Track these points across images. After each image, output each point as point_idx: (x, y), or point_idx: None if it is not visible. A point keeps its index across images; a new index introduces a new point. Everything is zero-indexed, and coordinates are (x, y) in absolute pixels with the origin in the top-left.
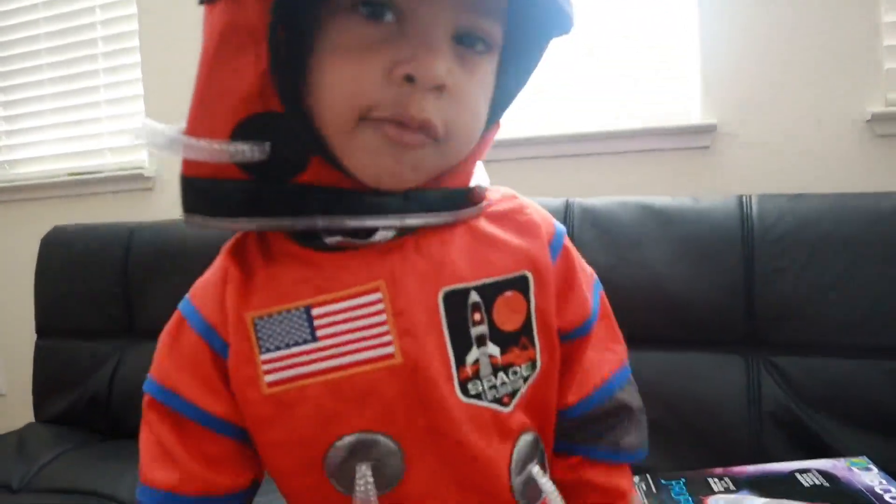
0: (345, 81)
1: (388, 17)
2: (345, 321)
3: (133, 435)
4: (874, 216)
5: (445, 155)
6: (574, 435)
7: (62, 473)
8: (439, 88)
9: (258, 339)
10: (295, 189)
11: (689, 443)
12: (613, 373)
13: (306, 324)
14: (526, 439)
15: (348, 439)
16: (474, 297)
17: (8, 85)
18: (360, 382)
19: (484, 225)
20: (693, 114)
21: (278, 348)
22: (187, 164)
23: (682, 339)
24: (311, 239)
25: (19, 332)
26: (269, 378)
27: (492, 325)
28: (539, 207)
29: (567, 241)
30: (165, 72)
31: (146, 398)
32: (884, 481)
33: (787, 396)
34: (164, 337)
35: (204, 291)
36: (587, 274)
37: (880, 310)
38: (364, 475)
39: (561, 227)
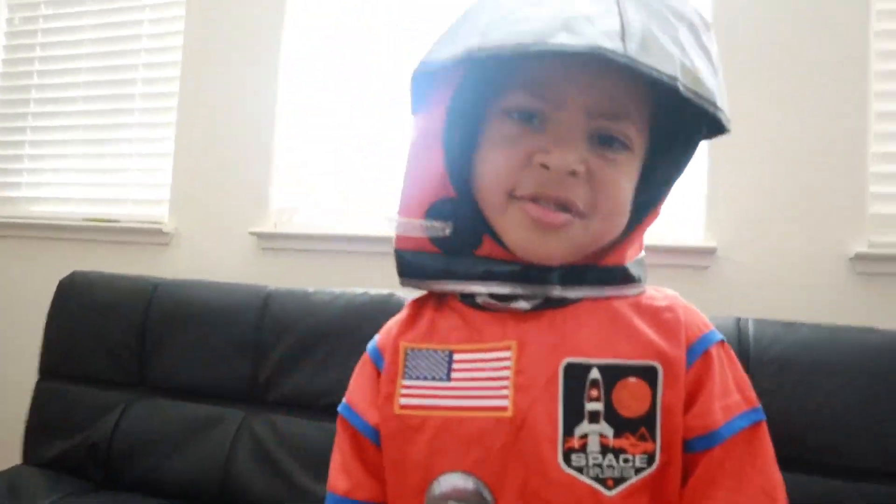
0: (496, 168)
1: (535, 122)
2: (476, 370)
3: (129, 487)
4: (860, 349)
5: (589, 233)
6: None
7: None
8: (573, 174)
9: (405, 365)
10: (474, 258)
11: None
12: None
13: (446, 365)
14: None
15: (451, 476)
16: (594, 373)
17: (39, 125)
18: (473, 426)
19: (626, 310)
20: (696, 236)
21: (417, 378)
22: (398, 239)
23: None
24: (471, 299)
25: (5, 370)
26: (402, 401)
27: (609, 405)
28: (697, 313)
29: (715, 351)
30: (199, 134)
31: (339, 417)
32: None
33: None
34: (357, 368)
35: (385, 328)
36: (735, 395)
37: (860, 436)
38: None
39: (713, 336)
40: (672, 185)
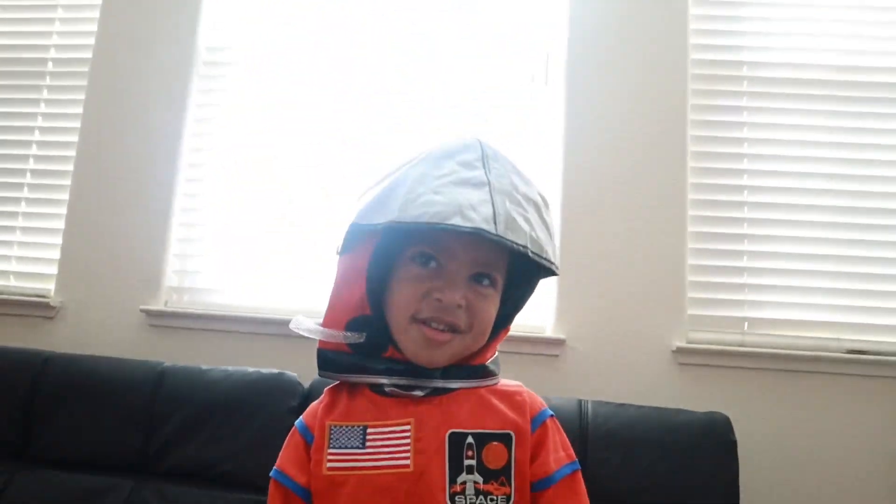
0: (405, 297)
1: (432, 264)
2: (384, 439)
3: None
4: (671, 427)
5: (466, 344)
6: None
7: None
8: (458, 307)
9: (329, 438)
10: (382, 359)
11: None
12: None
13: (361, 436)
14: None
15: None
16: (469, 439)
17: None
18: (383, 481)
19: (488, 395)
20: (548, 328)
21: (340, 447)
22: (321, 343)
23: None
24: (378, 388)
25: None
26: (329, 465)
27: (480, 461)
28: (536, 396)
29: (550, 423)
30: (93, 209)
31: (272, 481)
32: None
33: None
34: (286, 442)
35: (310, 411)
36: (560, 454)
37: (670, 494)
38: None
39: (548, 412)
40: (520, 310)
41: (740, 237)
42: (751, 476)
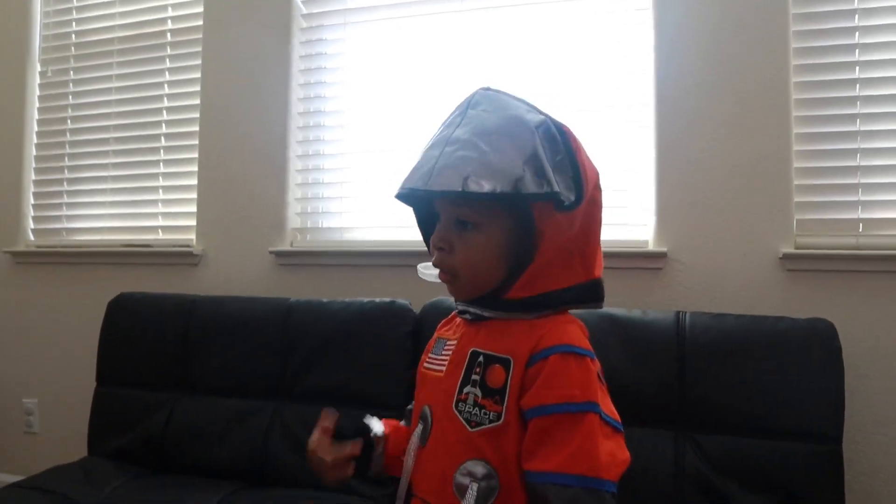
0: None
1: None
2: (446, 350)
3: (182, 471)
4: (771, 335)
5: (463, 283)
6: None
7: (129, 498)
8: (440, 249)
9: (434, 345)
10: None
11: (623, 500)
12: (548, 470)
13: (442, 346)
14: (480, 464)
15: (425, 406)
16: (480, 358)
17: (75, 164)
18: (431, 380)
19: (516, 325)
20: (650, 242)
21: (434, 353)
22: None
23: (627, 418)
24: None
25: (56, 379)
26: (424, 364)
27: (483, 379)
28: (561, 334)
29: (556, 360)
30: (219, 166)
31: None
32: None
33: (704, 466)
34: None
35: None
36: (566, 391)
37: (770, 404)
38: (416, 432)
39: (558, 349)
40: (544, 243)
41: (852, 135)
42: (858, 384)
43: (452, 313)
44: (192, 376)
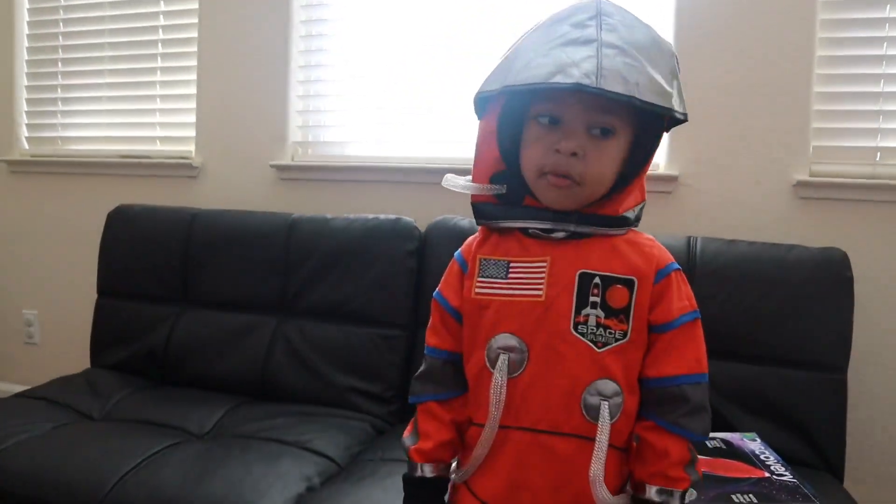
0: (531, 156)
1: (552, 122)
2: (524, 272)
3: (185, 384)
4: (783, 263)
5: (584, 192)
6: (652, 407)
7: (134, 409)
8: (574, 154)
9: (480, 268)
10: (522, 207)
11: None
12: (682, 374)
13: (504, 269)
14: (609, 383)
15: (503, 335)
16: (596, 280)
17: (69, 71)
18: (518, 306)
19: (620, 243)
20: (661, 164)
21: (487, 276)
22: (473, 197)
23: None
24: (525, 230)
25: (55, 291)
26: (477, 290)
27: (604, 300)
28: (665, 251)
29: (675, 276)
30: (218, 75)
31: (433, 300)
32: (763, 448)
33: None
34: (448, 268)
35: (466, 244)
36: (684, 303)
37: (778, 332)
38: (503, 360)
39: (674, 265)
40: (649, 161)
41: (878, 59)
42: (867, 316)
43: (482, 232)
44: (194, 290)
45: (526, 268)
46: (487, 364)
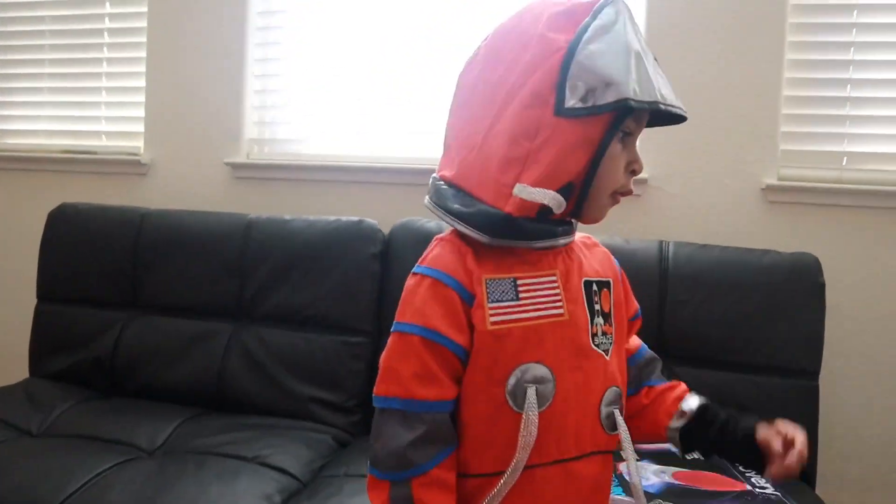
0: (613, 173)
1: (626, 138)
2: (536, 289)
3: (134, 395)
4: (756, 269)
5: None
6: (641, 375)
7: (78, 423)
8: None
9: (488, 292)
10: (551, 221)
11: None
12: (641, 344)
13: (513, 288)
14: (614, 389)
15: (525, 365)
16: (594, 286)
17: (5, 59)
18: (541, 330)
19: (582, 246)
20: None
21: (497, 301)
22: (516, 207)
23: None
24: (526, 242)
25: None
26: (492, 319)
27: (600, 305)
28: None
29: (619, 265)
30: (170, 67)
31: (413, 338)
32: None
33: None
34: (421, 294)
35: (447, 263)
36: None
37: (751, 338)
38: (531, 395)
39: (617, 262)
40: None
41: (845, 64)
42: (837, 321)
43: (465, 246)
44: (144, 295)
45: (537, 284)
46: (508, 401)
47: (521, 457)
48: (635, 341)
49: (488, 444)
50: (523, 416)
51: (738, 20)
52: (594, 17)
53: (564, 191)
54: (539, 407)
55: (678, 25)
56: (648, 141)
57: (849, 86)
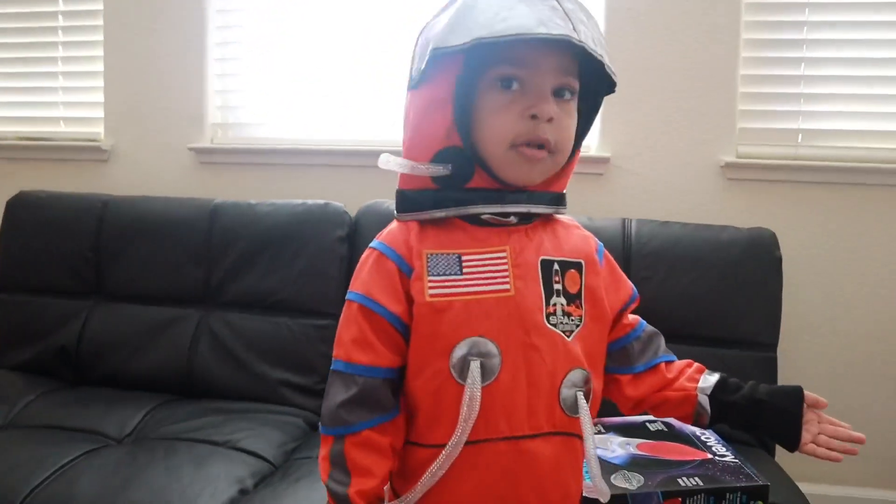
0: (499, 126)
1: (514, 85)
2: (482, 265)
3: (100, 384)
4: (715, 244)
5: (553, 162)
6: (647, 350)
7: (44, 413)
8: (550, 120)
9: (428, 266)
10: (468, 190)
11: None
12: (640, 320)
13: (457, 263)
14: (578, 371)
15: (469, 339)
16: (556, 266)
17: None
18: (485, 304)
19: (559, 228)
20: (592, 146)
21: (438, 275)
22: (402, 181)
23: None
24: (472, 218)
25: None
26: (430, 291)
27: (563, 286)
28: (584, 230)
29: (606, 252)
30: (129, 49)
31: (354, 305)
32: (706, 431)
33: None
34: (367, 266)
35: (394, 238)
36: (624, 276)
37: (713, 312)
38: (475, 367)
39: (601, 244)
40: (588, 129)
41: (798, 43)
42: (794, 293)
43: (412, 224)
44: (108, 283)
45: (483, 260)
46: (453, 374)
47: (462, 429)
48: (633, 317)
49: (437, 416)
50: (465, 389)
51: (694, 3)
52: None
53: (448, 157)
54: (484, 381)
55: (636, 9)
56: (610, 121)
57: (803, 64)
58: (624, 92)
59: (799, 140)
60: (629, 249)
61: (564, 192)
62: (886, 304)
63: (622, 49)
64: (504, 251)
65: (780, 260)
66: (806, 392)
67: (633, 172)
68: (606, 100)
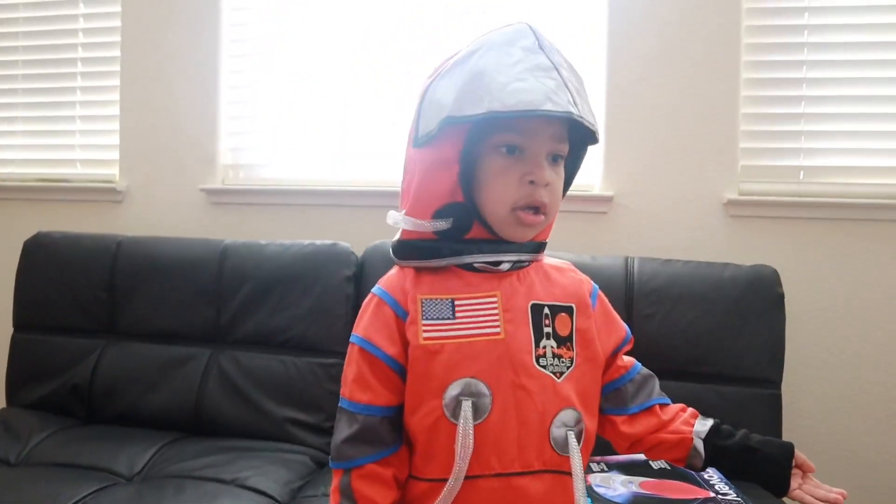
0: (501, 189)
1: (516, 152)
2: (474, 309)
3: (112, 421)
4: (718, 282)
5: (546, 222)
6: (641, 392)
7: (57, 451)
8: (546, 185)
9: (422, 311)
10: (466, 241)
11: None
12: (634, 362)
13: (450, 308)
14: (570, 411)
15: (462, 380)
16: (546, 310)
17: None
18: (476, 346)
19: (551, 271)
20: (596, 185)
21: (432, 319)
22: (405, 233)
23: None
24: (466, 266)
25: None
26: (424, 334)
27: (553, 329)
28: (578, 271)
29: (601, 294)
30: (143, 94)
31: (355, 347)
32: (708, 469)
33: None
34: (368, 310)
35: (391, 284)
36: (617, 317)
37: (716, 349)
38: (467, 407)
39: (596, 286)
40: (571, 181)
41: (798, 82)
42: (797, 330)
43: (410, 271)
44: (121, 322)
45: (475, 305)
46: (446, 413)
47: (460, 466)
48: (628, 359)
49: (432, 452)
50: (458, 428)
51: (695, 42)
52: (455, 55)
53: (450, 212)
54: (475, 420)
55: (639, 49)
56: (613, 160)
57: (803, 102)
58: (628, 130)
59: (801, 177)
60: (632, 287)
61: (546, 241)
62: (890, 339)
63: (625, 88)
64: (495, 296)
65: (782, 297)
66: (797, 451)
67: (637, 210)
68: (610, 139)
